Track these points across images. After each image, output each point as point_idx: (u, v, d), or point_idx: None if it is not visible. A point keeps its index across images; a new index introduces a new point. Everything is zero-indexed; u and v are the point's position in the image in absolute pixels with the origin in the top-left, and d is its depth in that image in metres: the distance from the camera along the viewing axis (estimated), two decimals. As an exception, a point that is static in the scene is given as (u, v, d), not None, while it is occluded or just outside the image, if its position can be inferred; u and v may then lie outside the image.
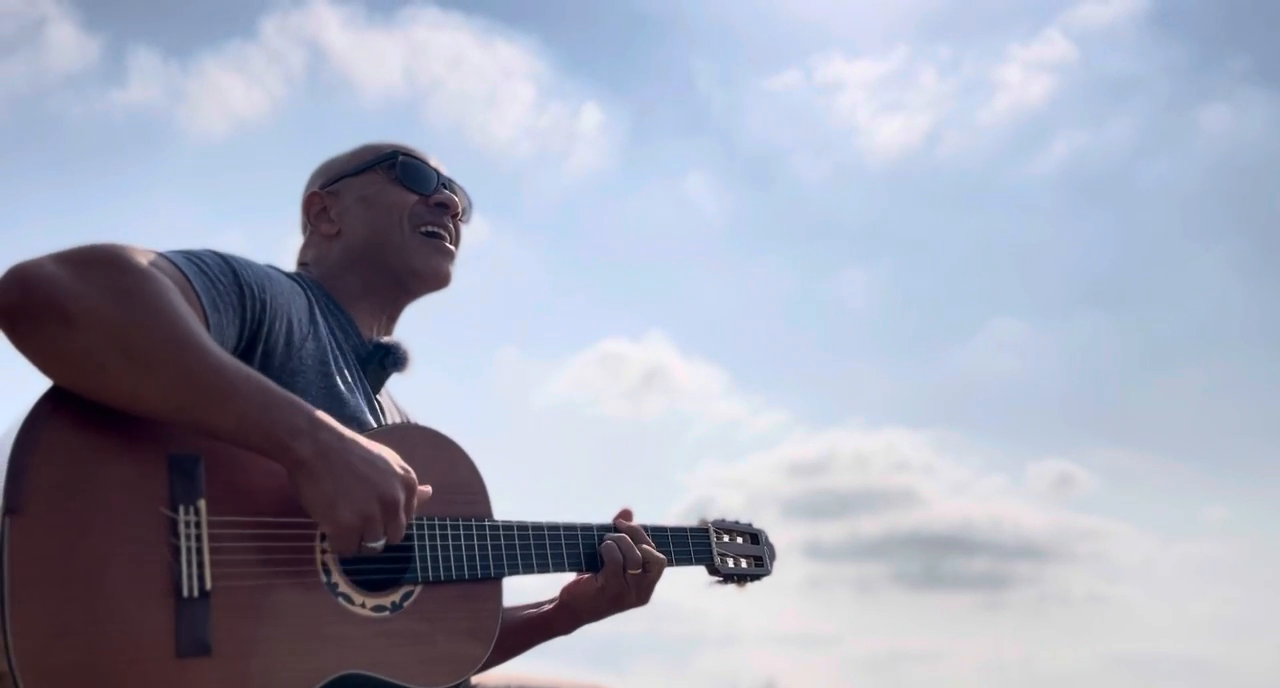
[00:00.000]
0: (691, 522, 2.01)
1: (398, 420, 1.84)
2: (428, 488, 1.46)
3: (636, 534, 1.80)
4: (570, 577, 1.82)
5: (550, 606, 1.84)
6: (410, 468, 1.42)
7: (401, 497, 1.37)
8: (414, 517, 1.43)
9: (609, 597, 1.77)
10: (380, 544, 1.37)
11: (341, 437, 1.35)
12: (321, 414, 1.35)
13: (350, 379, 1.66)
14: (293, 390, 1.49)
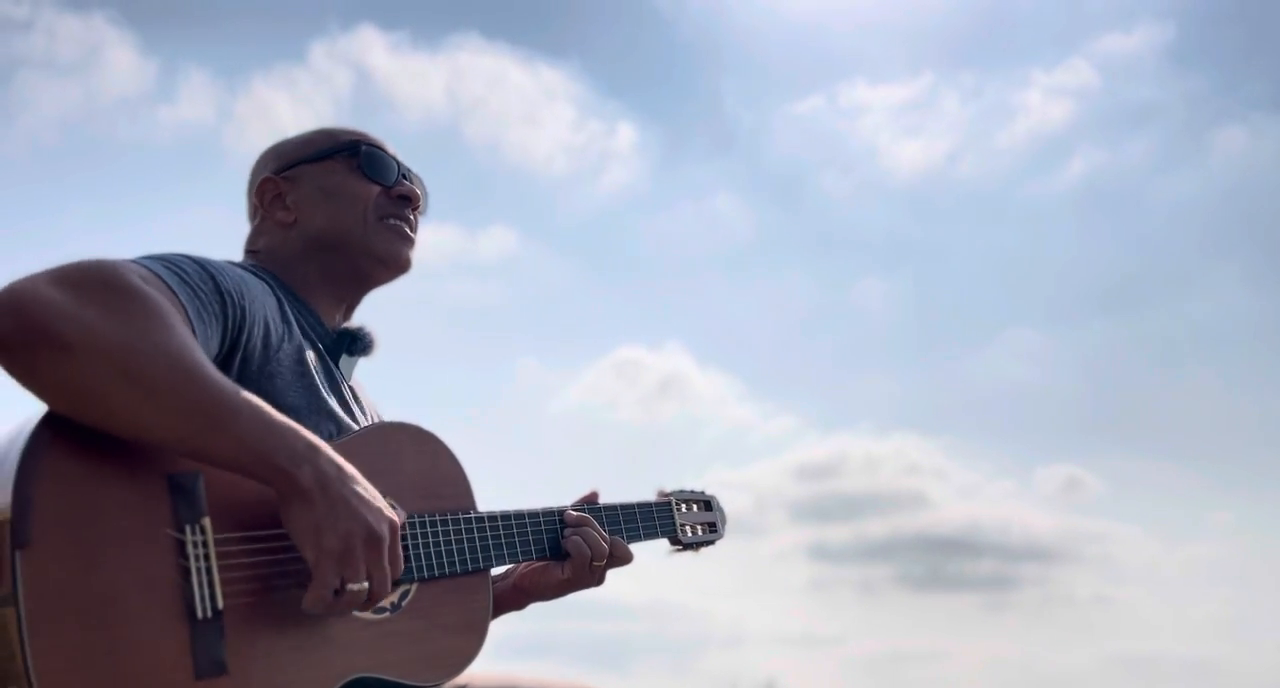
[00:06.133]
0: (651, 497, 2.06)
1: (369, 408, 1.83)
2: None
3: (589, 521, 1.80)
4: None
5: (504, 586, 1.84)
6: (395, 515, 1.38)
7: (386, 536, 1.34)
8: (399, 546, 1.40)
9: (573, 586, 1.81)
10: (361, 588, 1.31)
11: (340, 467, 1.33)
12: (318, 440, 1.33)
13: (324, 375, 1.64)
14: (270, 393, 1.48)
